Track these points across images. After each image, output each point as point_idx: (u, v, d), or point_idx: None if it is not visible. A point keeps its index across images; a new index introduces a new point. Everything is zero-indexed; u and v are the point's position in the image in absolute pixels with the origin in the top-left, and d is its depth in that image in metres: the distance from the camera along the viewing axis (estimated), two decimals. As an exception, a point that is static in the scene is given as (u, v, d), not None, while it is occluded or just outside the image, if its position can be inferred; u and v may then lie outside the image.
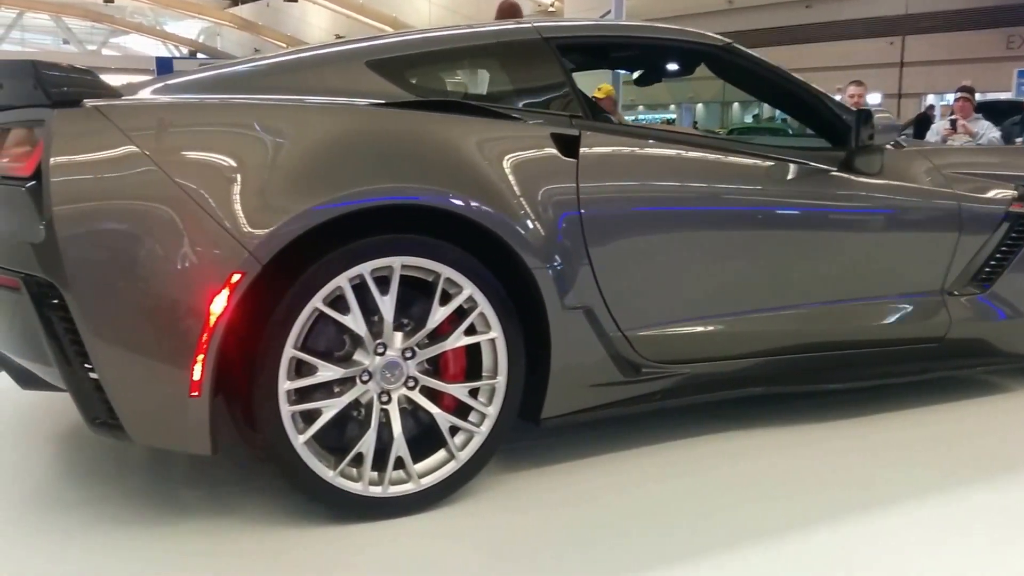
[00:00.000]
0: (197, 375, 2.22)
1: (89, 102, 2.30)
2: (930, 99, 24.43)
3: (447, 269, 2.48)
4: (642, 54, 3.85)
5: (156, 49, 50.86)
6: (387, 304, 2.43)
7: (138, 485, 2.73)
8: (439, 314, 2.50)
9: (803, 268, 3.25)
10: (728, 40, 3.32)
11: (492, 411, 2.60)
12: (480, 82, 3.19)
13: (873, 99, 15.10)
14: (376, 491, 2.49)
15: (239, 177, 2.30)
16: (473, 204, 2.51)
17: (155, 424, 2.31)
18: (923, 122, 13.05)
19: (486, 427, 2.60)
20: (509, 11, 6.03)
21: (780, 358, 3.22)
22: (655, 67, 4.06)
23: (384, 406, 2.47)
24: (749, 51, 3.36)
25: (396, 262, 2.42)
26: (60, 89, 2.28)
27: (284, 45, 35.48)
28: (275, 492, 2.63)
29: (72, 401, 2.32)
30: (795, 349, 3.25)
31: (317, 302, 2.35)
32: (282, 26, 40.65)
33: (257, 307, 2.28)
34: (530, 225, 2.60)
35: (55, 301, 2.24)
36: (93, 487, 2.71)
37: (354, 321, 2.40)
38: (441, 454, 2.57)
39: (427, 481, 2.54)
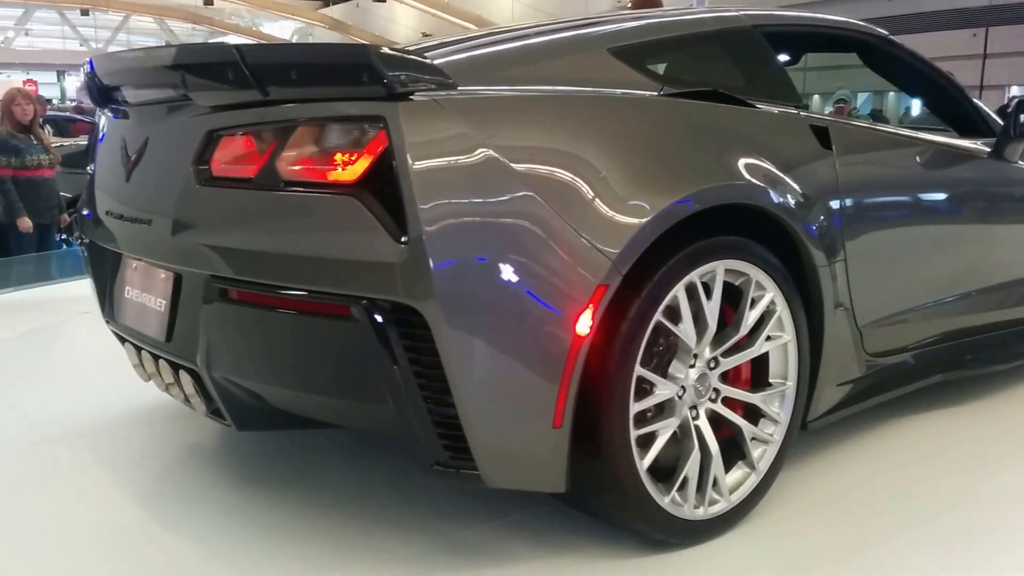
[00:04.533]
0: (562, 403, 2.00)
1: (421, 94, 1.95)
2: (1014, 90, 23.65)
3: (758, 271, 2.35)
4: (808, 42, 3.75)
5: (252, 49, 51.71)
6: (713, 311, 2.28)
7: (420, 530, 2.46)
8: (750, 319, 2.37)
9: (986, 253, 3.35)
10: (886, 32, 3.37)
11: (784, 418, 2.48)
12: (710, 70, 2.96)
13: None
14: (699, 514, 2.32)
15: (592, 179, 2.04)
16: (783, 201, 2.40)
17: (514, 462, 2.04)
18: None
19: (779, 435, 2.48)
20: (643, 3, 5.86)
21: (958, 343, 3.28)
22: (801, 54, 4.01)
23: (694, 422, 2.32)
24: (904, 44, 3.40)
25: (720, 266, 2.27)
26: (399, 79, 1.90)
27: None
28: (547, 520, 2.48)
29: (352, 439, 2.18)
30: (971, 332, 3.39)
31: (659, 314, 2.14)
32: (370, 26, 40.99)
33: (599, 323, 2.04)
34: (813, 221, 2.51)
35: (403, 329, 1.91)
36: (374, 534, 2.44)
37: (685, 332, 2.23)
38: (741, 467, 2.44)
39: (735, 497, 2.41)
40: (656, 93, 2.41)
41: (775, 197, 2.38)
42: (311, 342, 2.07)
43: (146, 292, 2.47)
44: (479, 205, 1.93)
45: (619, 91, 2.36)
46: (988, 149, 3.42)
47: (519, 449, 2.02)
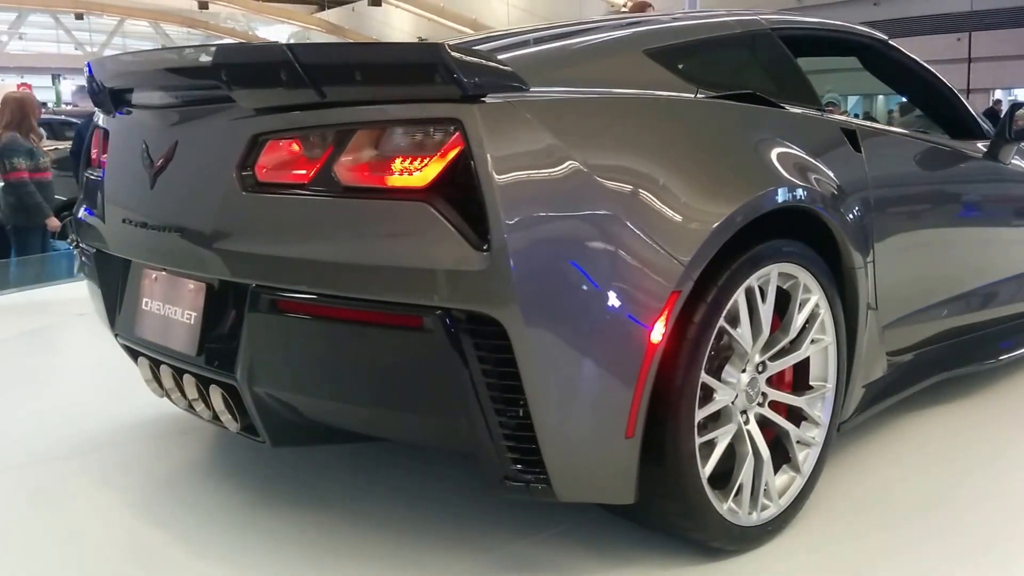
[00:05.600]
0: (635, 413, 1.94)
1: (492, 96, 1.86)
2: (997, 94, 23.81)
3: (806, 274, 2.34)
4: (813, 45, 3.70)
5: (247, 53, 51.58)
6: (767, 315, 2.25)
7: (468, 545, 2.33)
8: (799, 322, 2.35)
9: (988, 251, 3.49)
10: (886, 36, 3.44)
11: (824, 420, 2.47)
12: (739, 73, 2.88)
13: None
14: (753, 519, 2.28)
15: (662, 183, 1.99)
16: (830, 203, 2.41)
17: (586, 474, 1.97)
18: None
19: (820, 437, 2.46)
20: (641, 8, 5.92)
21: (960, 339, 3.36)
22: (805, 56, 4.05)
23: (745, 427, 2.30)
24: (902, 48, 3.47)
25: (775, 269, 2.24)
26: (474, 80, 1.81)
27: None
28: (593, 530, 2.39)
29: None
30: (971, 328, 3.42)
31: (722, 319, 2.10)
32: (366, 29, 40.94)
33: (671, 330, 1.98)
34: (850, 222, 2.50)
35: (478, 339, 1.82)
36: (420, 551, 2.31)
37: (743, 337, 2.20)
38: (786, 471, 2.43)
39: (784, 501, 2.37)
40: (692, 95, 2.37)
41: (825, 199, 2.38)
42: (375, 354, 1.96)
43: (170, 304, 2.33)
44: (558, 211, 1.86)
45: (664, 93, 2.32)
46: (984, 150, 3.49)
47: (592, 460, 1.96)
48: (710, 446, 2.18)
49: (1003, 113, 3.54)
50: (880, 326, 2.75)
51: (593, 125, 2.02)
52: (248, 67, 2.06)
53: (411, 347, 1.88)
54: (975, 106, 3.84)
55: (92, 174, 2.78)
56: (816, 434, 2.46)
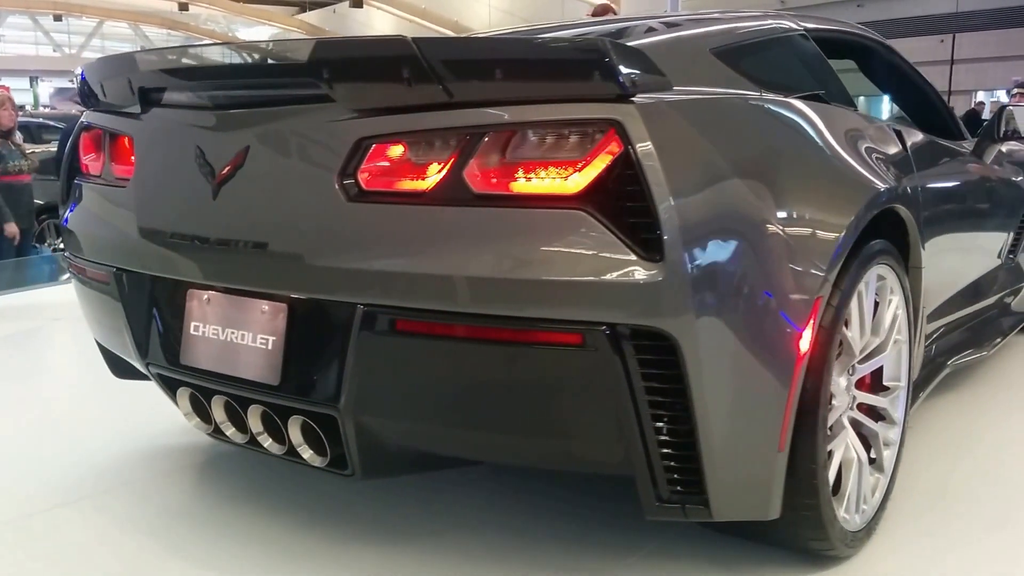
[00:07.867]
0: (786, 425, 1.84)
1: (642, 96, 1.70)
2: (980, 95, 24.04)
3: (891, 274, 2.30)
4: (826, 47, 3.53)
5: (228, 55, 51.48)
6: (868, 317, 2.20)
7: (562, 570, 2.17)
8: (887, 321, 2.31)
9: (982, 245, 3.55)
10: (887, 41, 3.48)
11: (899, 419, 2.41)
12: (789, 73, 2.78)
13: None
14: (857, 522, 2.20)
15: (801, 187, 1.95)
16: (910, 202, 2.40)
17: (741, 491, 1.86)
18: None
19: (896, 436, 2.40)
20: (603, 12, 5.92)
21: (957, 332, 3.41)
22: None
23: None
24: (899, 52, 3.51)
25: (875, 271, 2.19)
26: (632, 79, 1.67)
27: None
28: (687, 547, 2.26)
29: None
30: (966, 321, 3.46)
31: (842, 324, 2.02)
32: (347, 31, 40.84)
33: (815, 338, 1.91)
34: (917, 222, 2.47)
35: (643, 356, 1.67)
36: None
37: (854, 340, 2.13)
38: (872, 472, 2.32)
39: (875, 501, 2.32)
40: (757, 95, 2.24)
41: (905, 198, 2.38)
42: (522, 375, 1.76)
43: (233, 328, 2.04)
44: (720, 218, 1.74)
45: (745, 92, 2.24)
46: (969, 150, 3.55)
47: (748, 477, 1.85)
48: (828, 455, 2.10)
49: (984, 114, 3.59)
50: (926, 323, 2.74)
51: (730, 127, 1.94)
52: (359, 63, 1.86)
53: (568, 366, 1.71)
54: (957, 107, 3.92)
55: (89, 181, 2.49)
56: (894, 434, 2.41)
